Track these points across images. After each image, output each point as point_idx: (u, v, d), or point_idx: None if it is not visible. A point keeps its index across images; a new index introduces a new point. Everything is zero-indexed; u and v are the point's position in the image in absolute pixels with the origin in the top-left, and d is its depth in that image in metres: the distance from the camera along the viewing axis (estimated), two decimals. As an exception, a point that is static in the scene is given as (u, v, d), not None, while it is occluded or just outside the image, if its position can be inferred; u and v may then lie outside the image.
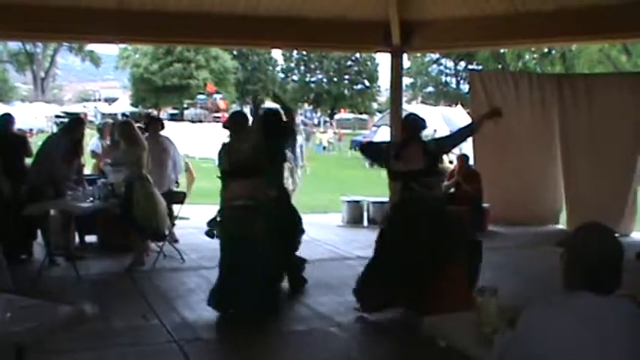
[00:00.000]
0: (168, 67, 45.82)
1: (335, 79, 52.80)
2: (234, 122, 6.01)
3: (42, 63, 55.18)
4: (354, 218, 10.90)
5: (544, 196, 10.69)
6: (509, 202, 10.48)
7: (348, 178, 17.17)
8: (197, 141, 24.43)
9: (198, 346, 5.20)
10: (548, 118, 10.47)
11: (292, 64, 54.26)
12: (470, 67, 38.95)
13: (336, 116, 54.02)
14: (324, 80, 53.32)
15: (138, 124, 8.46)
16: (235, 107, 47.46)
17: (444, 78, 53.19)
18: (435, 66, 52.20)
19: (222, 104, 44.47)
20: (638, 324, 2.16)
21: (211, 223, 6.18)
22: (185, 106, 47.83)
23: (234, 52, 49.63)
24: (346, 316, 5.80)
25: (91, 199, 7.62)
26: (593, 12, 8.11)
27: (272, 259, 5.80)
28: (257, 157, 5.82)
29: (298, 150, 13.44)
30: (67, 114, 33.50)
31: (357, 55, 49.96)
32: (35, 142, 9.97)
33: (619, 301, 2.21)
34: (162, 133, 8.80)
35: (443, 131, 22.36)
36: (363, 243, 8.26)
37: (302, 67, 53.95)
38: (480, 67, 35.88)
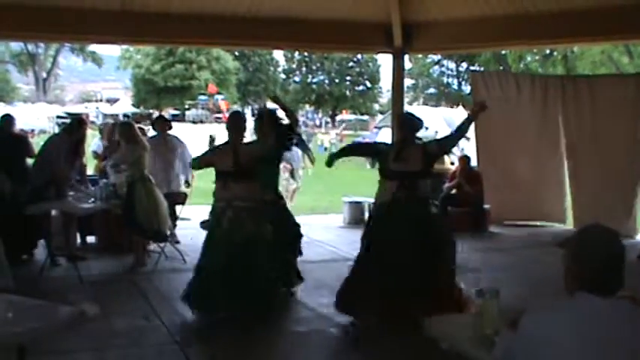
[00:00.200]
0: (170, 67, 45.84)
1: (336, 80, 52.78)
2: (233, 122, 5.97)
3: (44, 63, 55.24)
4: (355, 219, 10.88)
5: (547, 196, 10.68)
6: (512, 202, 10.48)
7: (349, 179, 17.16)
8: (198, 142, 24.38)
9: (199, 346, 5.21)
10: (551, 119, 10.46)
11: (294, 65, 54.23)
12: (471, 68, 38.91)
13: (338, 117, 53.99)
14: (326, 81, 53.29)
15: (139, 125, 8.47)
16: (236, 108, 47.46)
17: (445, 79, 53.14)
18: (436, 67, 52.12)
19: (223, 105, 44.43)
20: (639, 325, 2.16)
21: (204, 224, 6.17)
22: (186, 107, 47.83)
23: (236, 53, 49.62)
24: (347, 317, 5.79)
25: (93, 199, 7.63)
26: (595, 13, 8.11)
27: (272, 261, 5.79)
28: (266, 158, 5.84)
29: (299, 151, 13.44)
30: (69, 114, 33.49)
31: (359, 56, 49.93)
32: (37, 143, 9.97)
33: (620, 302, 2.21)
34: (170, 132, 8.83)
35: (444, 133, 22.37)
36: (365, 244, 8.24)
37: (303, 68, 53.93)
38: (482, 69, 35.86)
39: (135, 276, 7.29)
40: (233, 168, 5.64)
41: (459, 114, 26.97)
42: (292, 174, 13.18)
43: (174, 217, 8.40)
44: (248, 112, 43.75)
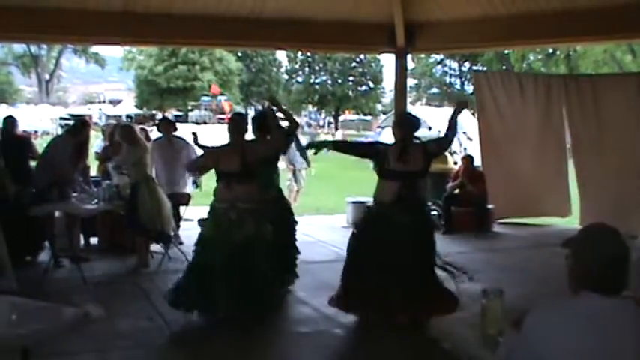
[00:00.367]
0: (172, 68, 45.88)
1: (339, 81, 52.74)
2: (235, 124, 5.96)
3: (47, 65, 55.37)
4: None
5: (552, 193, 10.66)
6: (517, 200, 10.47)
7: (352, 180, 17.14)
8: (201, 142, 24.33)
9: (203, 347, 5.21)
10: (554, 118, 10.45)
11: (296, 66, 54.19)
12: (474, 68, 38.91)
13: (341, 118, 53.99)
14: (329, 82, 53.23)
15: (142, 126, 8.47)
16: (239, 109, 47.50)
17: (448, 79, 53.10)
18: (439, 67, 52.09)
19: (226, 106, 44.46)
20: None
21: (202, 222, 6.15)
22: (189, 108, 47.86)
23: (239, 54, 49.66)
24: (350, 317, 5.79)
25: (96, 200, 7.64)
26: (598, 13, 8.09)
27: (270, 261, 5.80)
28: (268, 158, 5.85)
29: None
30: (72, 116, 33.54)
31: (362, 56, 49.89)
32: (40, 145, 9.99)
33: (624, 301, 2.20)
34: (176, 134, 8.83)
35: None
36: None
37: (306, 69, 53.87)
38: (484, 69, 35.85)
39: (138, 277, 7.29)
40: (240, 169, 5.62)
41: (463, 115, 27.02)
42: (295, 175, 13.19)
43: (178, 218, 8.41)
44: (251, 112, 43.75)
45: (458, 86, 52.42)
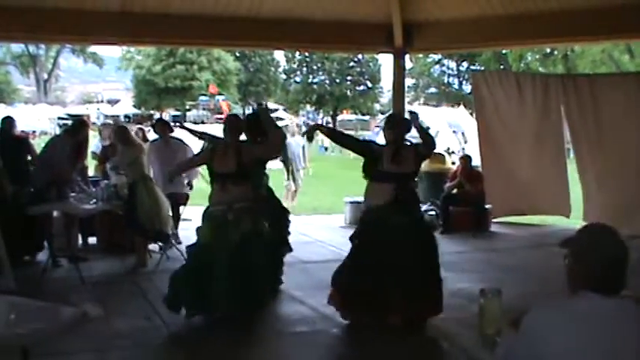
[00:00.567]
0: (170, 68, 45.81)
1: (337, 81, 52.69)
2: (231, 125, 5.96)
3: (45, 65, 55.29)
4: (357, 219, 10.83)
5: (550, 193, 10.66)
6: (515, 199, 10.47)
7: (350, 179, 17.13)
8: (200, 142, 24.36)
9: (201, 347, 5.20)
10: (552, 117, 10.44)
11: (294, 66, 54.14)
12: (472, 67, 38.94)
13: (339, 117, 53.95)
14: (327, 81, 53.18)
15: (140, 126, 8.47)
16: (237, 109, 47.48)
17: (446, 79, 53.13)
18: (437, 67, 52.10)
19: (224, 106, 44.43)
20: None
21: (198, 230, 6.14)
22: (187, 107, 47.82)
23: (237, 54, 49.59)
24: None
25: (94, 200, 7.64)
26: (595, 12, 8.11)
27: (268, 259, 5.81)
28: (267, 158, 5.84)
29: (300, 151, 13.45)
30: (70, 116, 33.53)
31: (360, 56, 49.84)
32: (38, 144, 9.97)
33: (624, 301, 2.21)
34: (173, 135, 8.81)
35: (446, 134, 22.37)
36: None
37: (304, 69, 53.83)
38: (482, 68, 35.85)
39: (136, 277, 7.29)
40: (236, 169, 5.63)
41: (460, 114, 27.03)
42: (293, 175, 13.20)
43: (177, 218, 8.41)
44: (249, 112, 43.68)
45: (456, 86, 52.46)
